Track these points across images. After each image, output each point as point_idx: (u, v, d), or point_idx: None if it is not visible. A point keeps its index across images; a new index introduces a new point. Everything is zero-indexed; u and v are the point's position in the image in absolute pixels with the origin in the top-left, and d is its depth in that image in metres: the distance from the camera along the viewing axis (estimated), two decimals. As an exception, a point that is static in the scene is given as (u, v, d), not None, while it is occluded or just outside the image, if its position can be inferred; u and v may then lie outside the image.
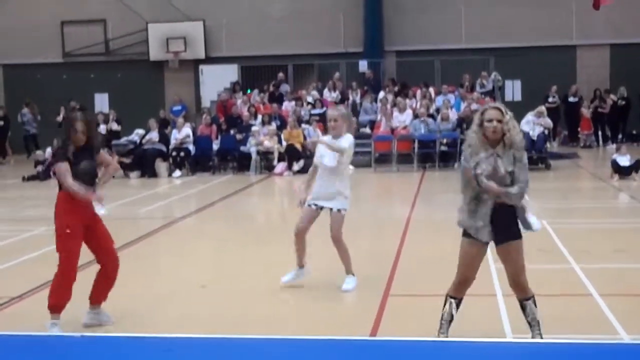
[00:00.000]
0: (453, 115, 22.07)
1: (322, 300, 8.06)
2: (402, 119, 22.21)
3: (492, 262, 8.11)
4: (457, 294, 6.29)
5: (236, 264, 10.12)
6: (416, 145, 21.34)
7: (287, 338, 5.40)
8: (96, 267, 7.42)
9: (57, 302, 7.08)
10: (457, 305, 6.29)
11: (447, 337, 6.13)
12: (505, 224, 6.07)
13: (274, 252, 10.57)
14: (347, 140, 8.25)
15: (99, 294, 7.36)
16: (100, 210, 7.29)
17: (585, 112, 25.70)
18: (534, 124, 20.76)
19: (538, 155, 20.37)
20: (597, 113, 25.74)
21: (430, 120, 21.77)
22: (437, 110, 22.53)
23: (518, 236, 6.14)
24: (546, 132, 21.02)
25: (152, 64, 28.87)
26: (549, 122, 21.15)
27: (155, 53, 28.59)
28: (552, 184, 17.71)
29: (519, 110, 22.06)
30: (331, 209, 8.31)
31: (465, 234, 6.19)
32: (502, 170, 5.98)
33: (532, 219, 6.15)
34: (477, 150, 6.04)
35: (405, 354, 4.90)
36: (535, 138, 20.46)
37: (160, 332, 6.36)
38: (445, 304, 6.28)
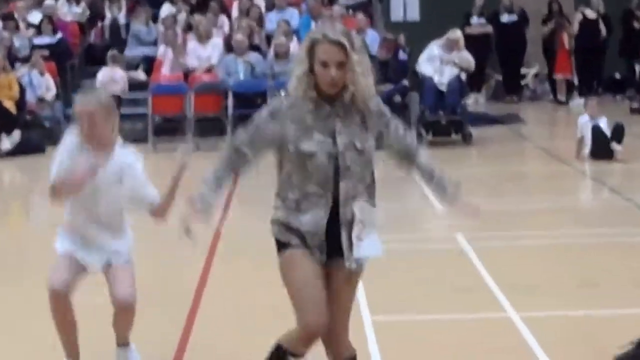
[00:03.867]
0: (297, 47, 15.52)
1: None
2: (204, 53, 16.35)
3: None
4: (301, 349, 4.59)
5: None
6: (230, 101, 15.37)
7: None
8: None
9: None
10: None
11: None
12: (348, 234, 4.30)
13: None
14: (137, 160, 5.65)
15: None
16: None
17: (565, 40, 18.32)
18: (442, 62, 14.97)
19: (449, 117, 14.84)
20: (552, 42, 18.24)
21: (255, 55, 15.99)
22: (269, 37, 16.74)
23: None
24: (464, 76, 15.17)
25: None
26: (468, 59, 15.07)
27: None
28: (474, 170, 13.16)
29: (416, 36, 16.46)
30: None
31: (284, 245, 4.39)
32: (358, 144, 4.23)
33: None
34: (300, 113, 4.14)
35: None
36: (444, 88, 14.84)
37: None
38: None
